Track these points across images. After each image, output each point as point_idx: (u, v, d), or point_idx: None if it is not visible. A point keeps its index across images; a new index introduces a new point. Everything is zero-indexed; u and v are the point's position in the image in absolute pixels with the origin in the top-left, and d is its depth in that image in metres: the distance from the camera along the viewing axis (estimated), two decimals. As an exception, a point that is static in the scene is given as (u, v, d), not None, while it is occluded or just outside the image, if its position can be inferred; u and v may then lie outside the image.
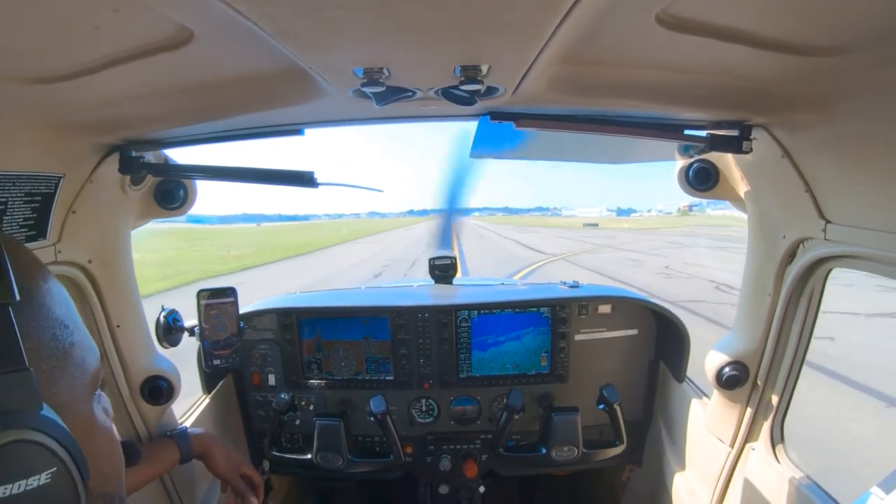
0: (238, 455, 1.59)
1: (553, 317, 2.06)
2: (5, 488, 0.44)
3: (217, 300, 1.62)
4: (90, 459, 0.50)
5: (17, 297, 0.47)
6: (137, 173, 1.42)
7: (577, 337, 2.07)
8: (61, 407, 0.50)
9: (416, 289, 2.47)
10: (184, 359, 1.75)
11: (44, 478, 0.46)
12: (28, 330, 0.49)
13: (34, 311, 0.52)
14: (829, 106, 1.08)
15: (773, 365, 1.51)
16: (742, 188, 1.50)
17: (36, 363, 0.49)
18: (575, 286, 2.19)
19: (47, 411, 0.47)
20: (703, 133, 1.35)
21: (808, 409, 5.02)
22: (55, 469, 0.47)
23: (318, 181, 1.41)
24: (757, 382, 1.55)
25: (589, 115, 1.30)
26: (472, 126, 1.47)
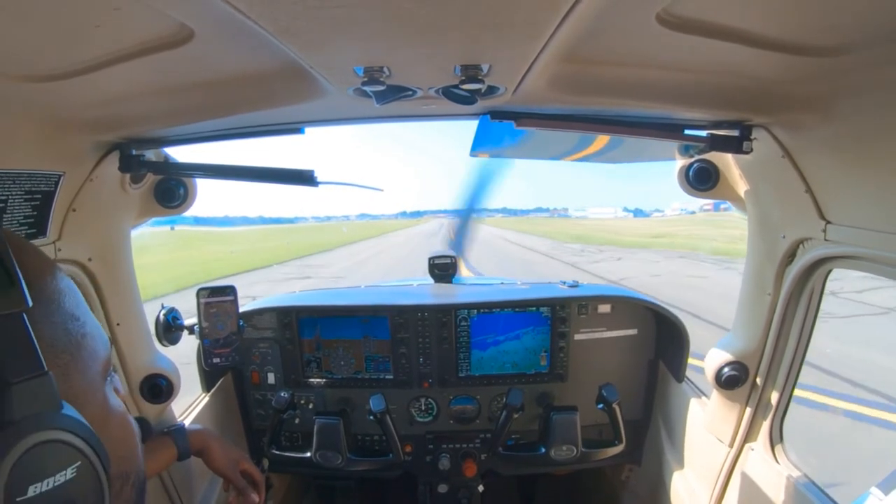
0: (237, 451, 1.59)
1: (553, 316, 2.06)
2: (35, 487, 0.45)
3: (217, 298, 1.62)
4: (106, 444, 0.51)
5: (30, 303, 0.47)
6: (138, 171, 1.42)
7: (577, 336, 2.07)
8: (77, 397, 0.52)
9: (416, 288, 2.47)
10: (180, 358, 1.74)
11: (70, 472, 0.48)
12: (42, 328, 0.50)
13: (46, 309, 0.52)
14: (830, 106, 1.08)
15: (772, 365, 1.51)
16: (742, 188, 1.50)
17: (52, 359, 0.50)
18: (574, 285, 2.19)
19: (67, 409, 0.49)
20: (703, 133, 1.35)
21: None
22: (79, 463, 0.49)
23: (318, 180, 1.41)
24: (756, 382, 1.55)
25: (589, 114, 1.30)
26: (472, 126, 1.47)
